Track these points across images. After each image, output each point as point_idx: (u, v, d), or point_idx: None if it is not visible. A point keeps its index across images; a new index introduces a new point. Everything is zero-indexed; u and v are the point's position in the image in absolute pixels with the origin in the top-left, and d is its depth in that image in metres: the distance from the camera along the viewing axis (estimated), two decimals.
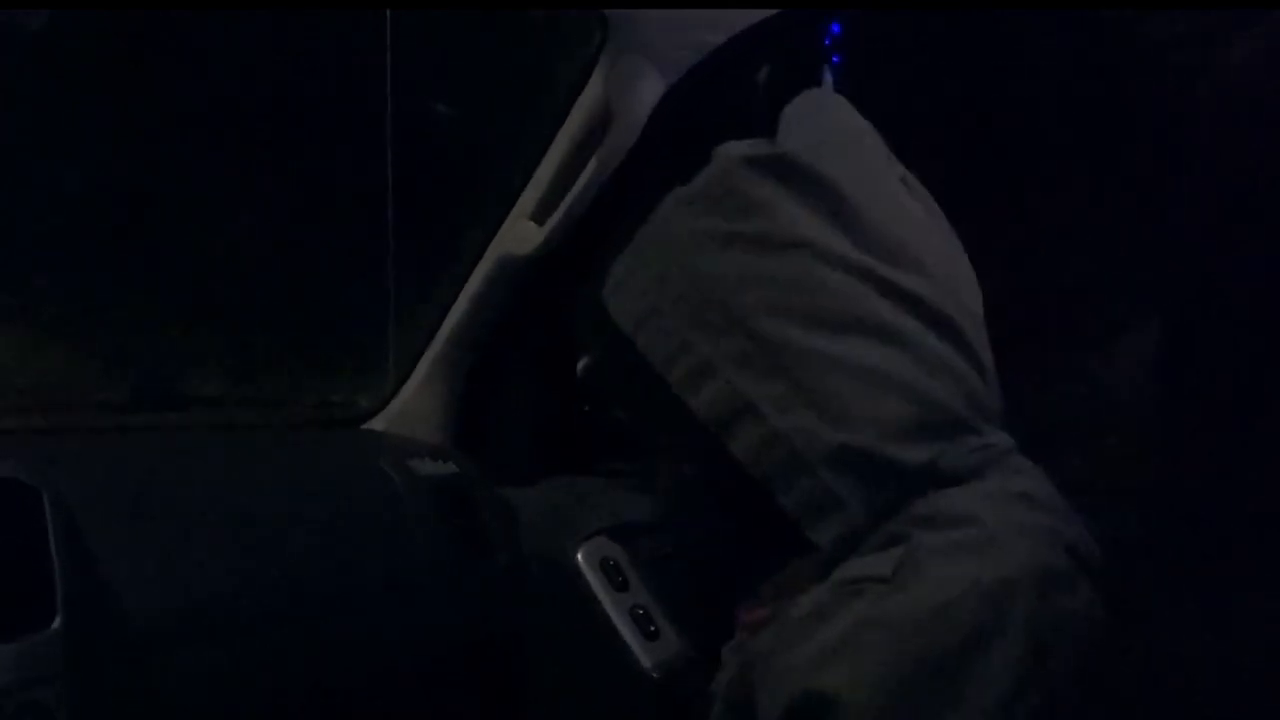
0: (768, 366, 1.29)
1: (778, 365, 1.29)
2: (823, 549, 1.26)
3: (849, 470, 1.25)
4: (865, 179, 1.40)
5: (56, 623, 1.05)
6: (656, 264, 1.39)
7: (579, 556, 1.63)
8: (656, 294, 1.37)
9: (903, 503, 1.25)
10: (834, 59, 1.58)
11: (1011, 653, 1.16)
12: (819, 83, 1.54)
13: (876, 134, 1.48)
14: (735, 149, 1.39)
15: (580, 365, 1.56)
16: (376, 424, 1.78)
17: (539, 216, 1.60)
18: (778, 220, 1.34)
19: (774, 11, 1.45)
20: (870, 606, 1.20)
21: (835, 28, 1.56)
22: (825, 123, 1.46)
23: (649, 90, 1.47)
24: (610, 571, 1.63)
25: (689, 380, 1.33)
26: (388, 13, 1.74)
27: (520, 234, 1.62)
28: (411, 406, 1.76)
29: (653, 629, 1.61)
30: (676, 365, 1.35)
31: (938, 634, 1.17)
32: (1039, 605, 1.18)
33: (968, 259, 1.44)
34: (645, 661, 1.57)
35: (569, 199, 1.56)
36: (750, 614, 1.35)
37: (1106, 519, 1.29)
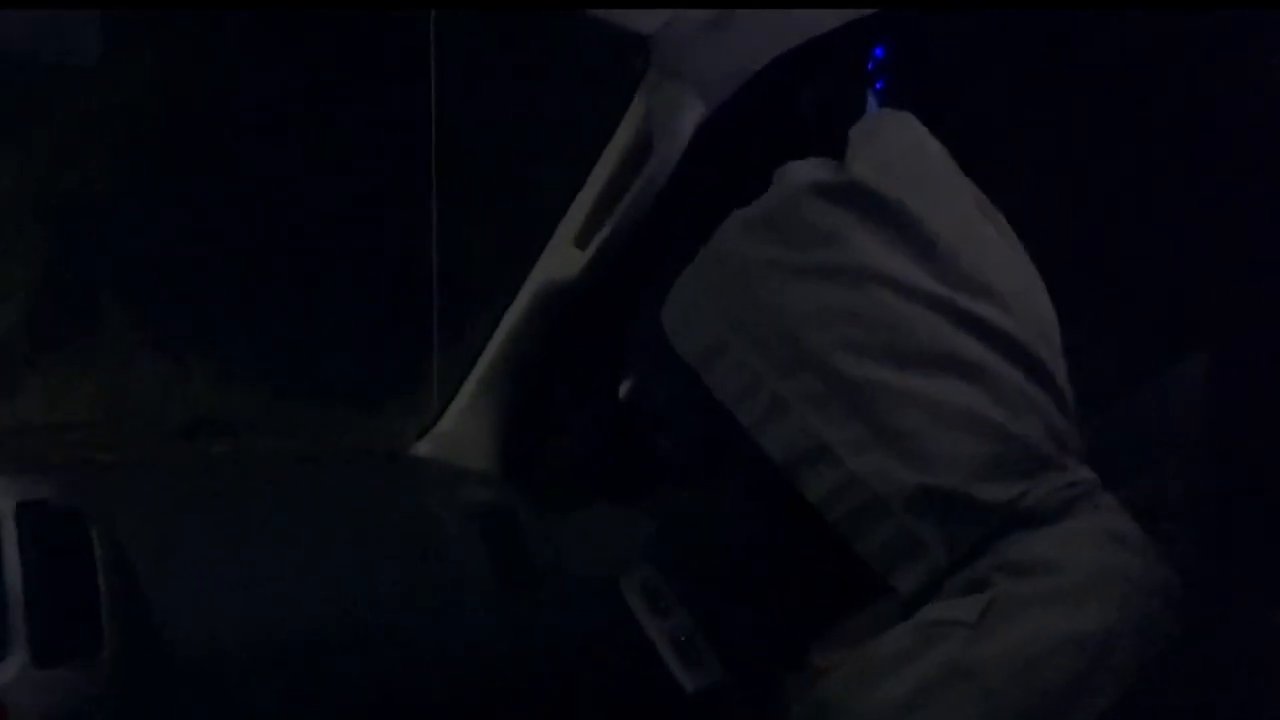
0: (843, 406, 1.24)
1: (854, 405, 1.24)
2: (901, 593, 1.22)
3: (930, 512, 1.20)
4: (939, 204, 1.34)
5: (105, 651, 1.07)
6: (723, 294, 1.33)
7: (623, 583, 1.62)
8: (724, 327, 1.31)
9: (987, 545, 1.20)
10: (878, 84, 1.56)
11: (1105, 704, 1.13)
12: (864, 107, 1.52)
13: (948, 154, 1.42)
14: (801, 174, 1.33)
15: (624, 389, 1.55)
16: (421, 449, 1.78)
17: (581, 241, 1.60)
18: (849, 251, 1.28)
19: (818, 35, 1.44)
20: (957, 652, 1.16)
21: (879, 52, 1.55)
22: (895, 144, 1.39)
23: (690, 115, 1.47)
24: (654, 598, 1.62)
25: (760, 419, 1.28)
26: (431, 32, 1.75)
27: (563, 258, 1.62)
28: (456, 432, 1.77)
29: (695, 655, 1.59)
30: (747, 403, 1.29)
31: (1031, 686, 1.14)
32: (1135, 656, 1.15)
33: (1044, 284, 1.37)
34: (688, 686, 1.56)
35: (611, 223, 1.56)
36: (825, 659, 1.32)
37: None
